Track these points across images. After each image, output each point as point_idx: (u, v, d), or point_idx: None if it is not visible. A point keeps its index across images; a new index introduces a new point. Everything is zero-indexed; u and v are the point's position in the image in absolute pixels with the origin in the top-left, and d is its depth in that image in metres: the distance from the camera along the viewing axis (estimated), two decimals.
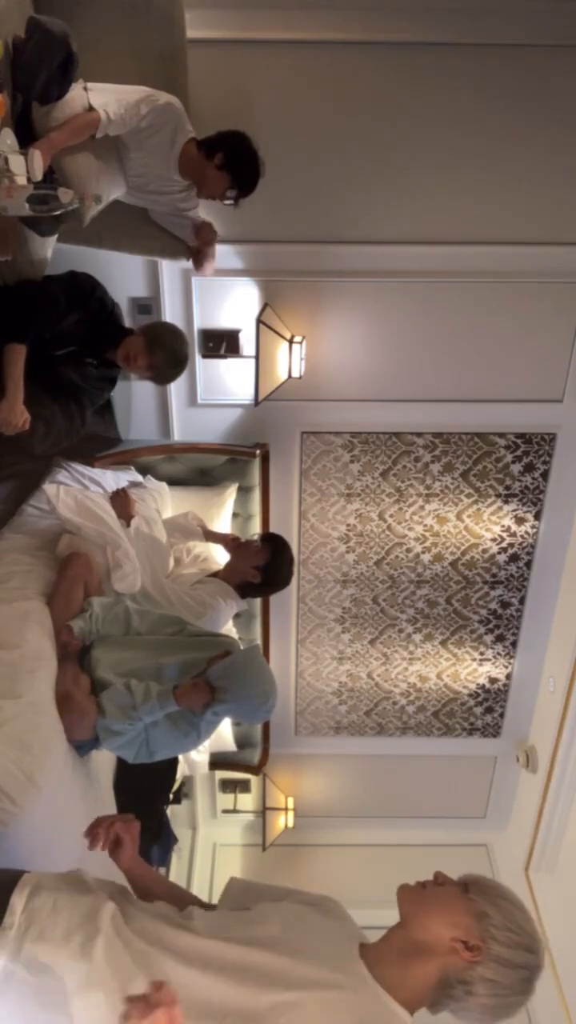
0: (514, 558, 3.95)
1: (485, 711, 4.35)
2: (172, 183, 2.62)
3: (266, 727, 4.22)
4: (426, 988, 1.21)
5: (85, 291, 2.62)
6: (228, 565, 2.98)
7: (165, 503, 3.35)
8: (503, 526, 3.87)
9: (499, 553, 3.94)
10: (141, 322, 3.10)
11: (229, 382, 3.51)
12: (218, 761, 4.23)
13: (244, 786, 4.54)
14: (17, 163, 1.84)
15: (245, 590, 2.91)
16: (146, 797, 3.12)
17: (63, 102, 2.26)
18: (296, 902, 1.37)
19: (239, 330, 3.40)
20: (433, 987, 1.21)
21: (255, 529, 3.69)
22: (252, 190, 2.63)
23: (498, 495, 3.81)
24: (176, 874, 4.41)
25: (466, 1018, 1.22)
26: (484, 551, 3.93)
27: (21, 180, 1.85)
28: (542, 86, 3.02)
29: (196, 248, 2.87)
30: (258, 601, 3.77)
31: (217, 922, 1.31)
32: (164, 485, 3.42)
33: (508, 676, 4.25)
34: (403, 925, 1.26)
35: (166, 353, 2.68)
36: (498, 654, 4.19)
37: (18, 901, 1.29)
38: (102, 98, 2.35)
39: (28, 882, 1.33)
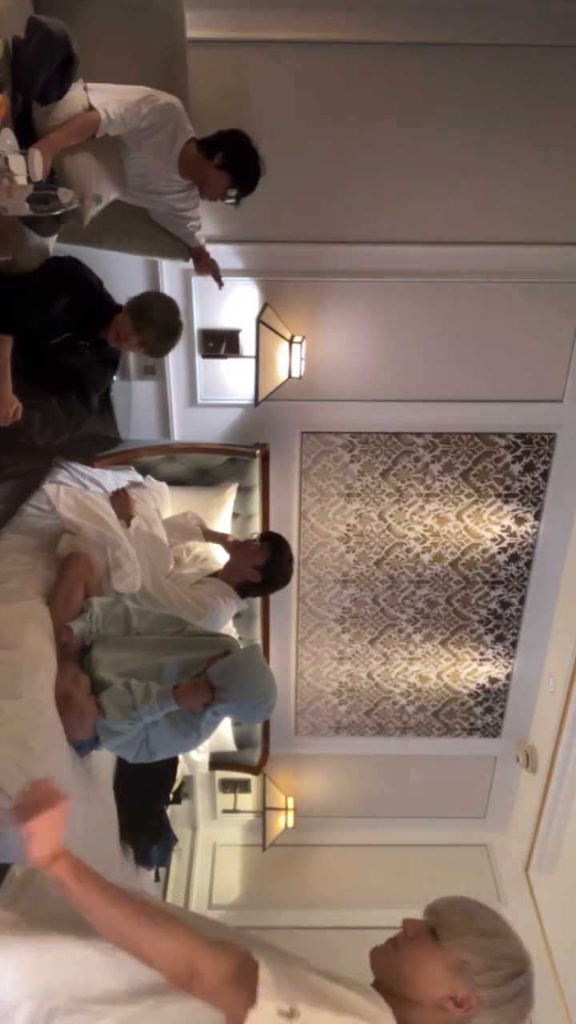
0: (514, 558, 3.95)
1: (485, 711, 4.35)
2: (172, 183, 2.61)
3: (266, 727, 4.22)
4: None
5: (68, 273, 2.59)
6: (228, 565, 2.98)
7: (165, 503, 3.35)
8: (503, 526, 3.87)
9: (499, 553, 3.94)
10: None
11: (229, 382, 3.52)
12: (218, 761, 4.23)
13: (244, 786, 4.54)
14: (17, 163, 1.84)
15: (245, 590, 2.91)
16: (146, 797, 3.12)
17: (63, 102, 2.26)
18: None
19: (239, 330, 3.40)
20: None
21: (255, 529, 3.69)
22: (253, 189, 2.63)
23: (498, 495, 3.81)
24: (176, 874, 4.41)
25: None
26: (484, 551, 3.93)
27: (21, 180, 1.85)
28: (542, 86, 3.02)
29: (200, 252, 2.89)
30: (258, 601, 3.77)
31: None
32: (164, 485, 3.42)
33: (508, 676, 4.25)
34: (382, 984, 1.20)
35: (155, 328, 2.61)
36: (498, 654, 4.19)
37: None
38: (102, 98, 2.35)
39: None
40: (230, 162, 2.54)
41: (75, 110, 2.29)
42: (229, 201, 2.63)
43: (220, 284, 2.98)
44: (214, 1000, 1.08)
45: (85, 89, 2.34)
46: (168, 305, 2.69)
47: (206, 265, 2.94)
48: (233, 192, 2.60)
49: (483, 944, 1.16)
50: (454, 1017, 1.15)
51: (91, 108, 2.33)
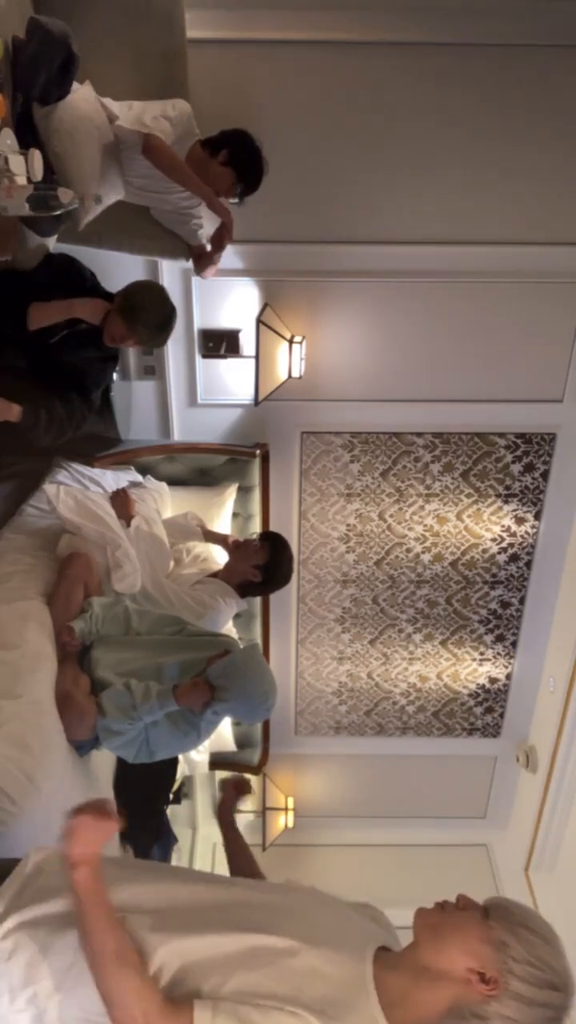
0: (514, 558, 3.95)
1: (485, 711, 4.35)
2: (176, 184, 2.61)
3: (266, 727, 4.22)
4: (433, 1014, 1.12)
5: (62, 269, 2.59)
6: (228, 565, 2.98)
7: (165, 503, 3.35)
8: (503, 526, 3.87)
9: (499, 553, 3.94)
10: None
11: (229, 382, 3.52)
12: (218, 761, 4.23)
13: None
14: (17, 163, 1.84)
15: (245, 589, 2.92)
16: (146, 797, 3.12)
17: (65, 103, 2.26)
18: (334, 898, 1.32)
19: (239, 330, 3.40)
20: (442, 1014, 1.12)
21: (255, 529, 3.69)
22: (257, 186, 2.63)
23: (498, 495, 3.81)
24: None
25: None
26: (484, 551, 3.93)
27: (21, 180, 1.85)
28: (542, 86, 3.02)
29: (201, 251, 2.87)
30: (258, 601, 3.77)
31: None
32: (164, 485, 3.42)
33: (508, 676, 4.25)
34: (416, 947, 1.17)
35: (148, 327, 2.56)
36: (498, 654, 4.19)
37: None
38: (143, 114, 2.42)
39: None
40: (235, 158, 2.55)
41: (77, 111, 2.29)
42: (232, 201, 2.63)
43: (210, 263, 2.92)
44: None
45: (101, 102, 2.35)
46: (158, 300, 2.61)
47: (208, 256, 2.90)
48: (237, 188, 2.60)
49: (531, 940, 1.10)
50: (474, 996, 1.09)
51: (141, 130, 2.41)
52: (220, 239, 2.78)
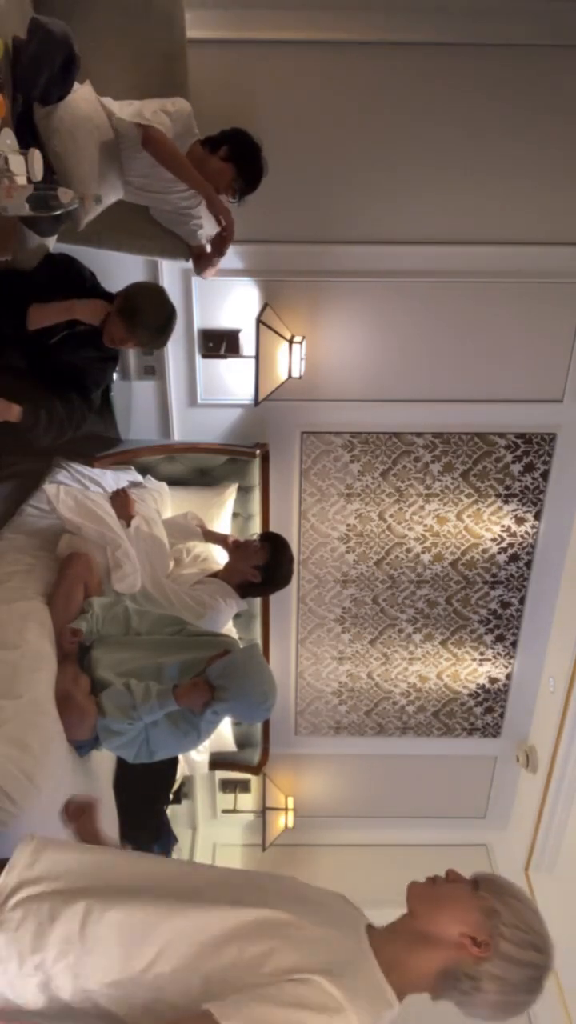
0: (514, 558, 3.95)
1: (485, 711, 4.35)
2: (178, 183, 2.61)
3: (266, 727, 4.22)
4: (426, 976, 1.21)
5: (62, 269, 2.59)
6: (228, 565, 2.98)
7: (165, 503, 3.35)
8: (503, 526, 3.87)
9: (499, 553, 3.94)
10: None
11: (229, 382, 3.52)
12: (218, 761, 4.23)
13: (244, 786, 4.54)
14: (17, 163, 1.84)
15: (245, 590, 2.92)
16: (146, 797, 3.12)
17: (65, 103, 2.26)
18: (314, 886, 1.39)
19: (239, 330, 3.40)
20: (435, 976, 1.21)
21: (255, 529, 3.69)
22: (256, 184, 2.63)
23: (498, 495, 3.81)
24: None
25: (472, 1013, 1.23)
26: (484, 551, 3.93)
27: (21, 180, 1.85)
28: (542, 86, 3.02)
29: (200, 251, 2.87)
30: (258, 601, 3.77)
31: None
32: (164, 485, 3.42)
33: (508, 676, 4.25)
34: (410, 916, 1.27)
35: (147, 330, 2.55)
36: (498, 654, 4.19)
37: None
38: (143, 109, 2.40)
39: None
40: (235, 154, 2.55)
41: (78, 111, 2.29)
42: (231, 200, 2.63)
43: (210, 263, 2.90)
44: None
45: (101, 102, 2.35)
46: (158, 302, 2.59)
47: (208, 257, 2.89)
48: (237, 185, 2.60)
49: (517, 907, 1.22)
50: (467, 958, 1.19)
51: (139, 124, 2.39)
52: (222, 243, 2.76)
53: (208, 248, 2.85)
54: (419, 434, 3.67)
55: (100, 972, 1.16)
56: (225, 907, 1.20)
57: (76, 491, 2.83)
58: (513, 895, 1.24)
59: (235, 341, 3.41)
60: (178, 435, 3.60)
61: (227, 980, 1.12)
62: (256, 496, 3.66)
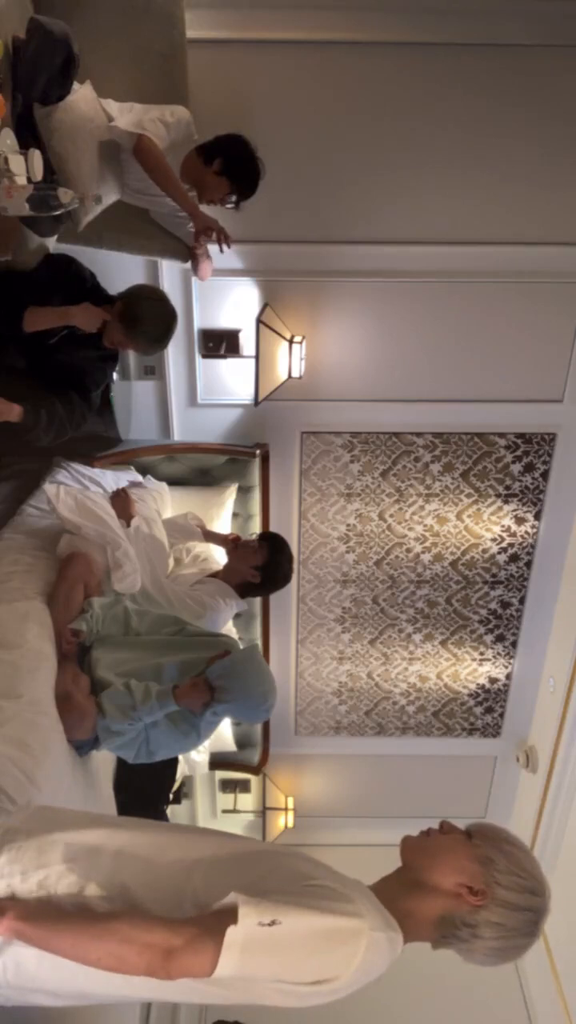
0: (514, 558, 3.95)
1: (485, 711, 4.35)
2: None
3: (266, 727, 4.22)
4: (424, 923, 1.23)
5: (63, 269, 2.59)
6: (227, 565, 2.98)
7: (165, 503, 3.35)
8: (503, 526, 3.87)
9: (499, 553, 3.94)
10: None
11: (229, 382, 3.52)
12: (218, 761, 4.23)
13: (244, 786, 4.54)
14: (17, 163, 1.84)
15: (245, 590, 2.92)
16: (146, 797, 3.12)
17: (65, 104, 2.26)
18: None
19: (239, 330, 3.40)
20: (434, 924, 1.23)
21: (255, 529, 3.69)
22: (252, 193, 2.63)
23: (498, 495, 3.81)
24: None
25: (472, 959, 1.25)
26: (484, 551, 3.93)
27: (21, 180, 1.85)
28: (542, 86, 3.02)
29: (194, 249, 2.88)
30: (258, 601, 3.77)
31: None
32: (164, 485, 3.42)
33: (508, 676, 4.25)
34: (405, 868, 1.30)
35: (147, 338, 2.57)
36: (498, 654, 4.19)
37: None
38: (131, 117, 2.40)
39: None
40: (228, 168, 2.55)
41: (79, 112, 2.29)
42: (229, 206, 2.63)
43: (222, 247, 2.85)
44: (197, 954, 1.09)
45: (101, 104, 2.35)
46: (159, 309, 2.58)
47: (195, 255, 2.88)
48: (232, 197, 2.60)
49: (512, 853, 1.24)
50: (464, 907, 1.21)
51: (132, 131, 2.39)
52: (197, 236, 2.73)
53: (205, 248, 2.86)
54: (419, 434, 3.67)
55: (127, 873, 1.18)
56: (240, 840, 1.26)
57: (76, 491, 2.83)
58: (507, 841, 1.26)
59: (235, 341, 3.41)
60: (178, 435, 3.60)
61: (257, 889, 1.14)
62: (256, 496, 3.66)
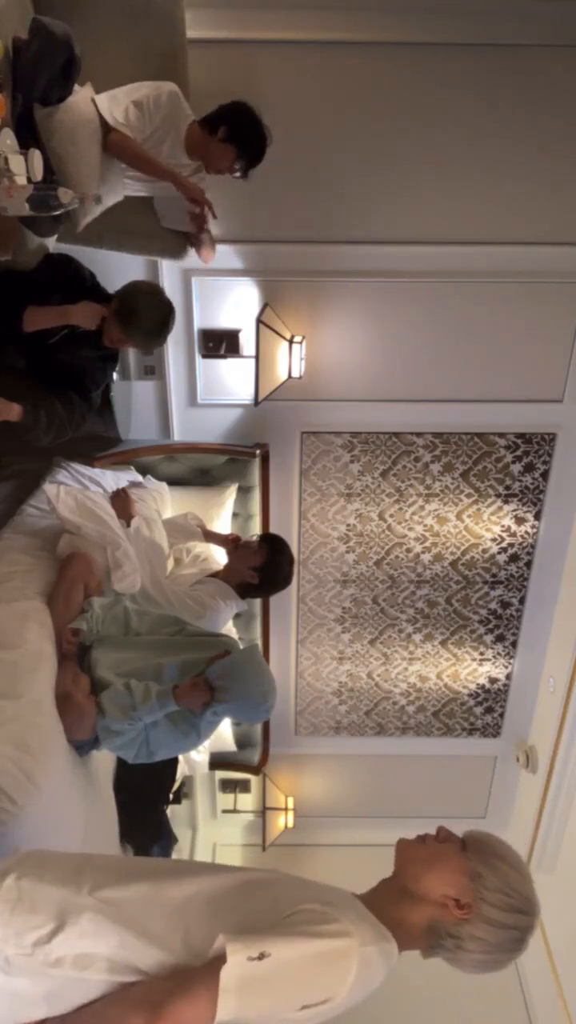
0: (514, 558, 3.95)
1: (485, 711, 4.35)
2: (181, 168, 2.61)
3: (266, 727, 4.22)
4: (415, 932, 1.24)
5: (61, 269, 2.58)
6: (227, 566, 2.98)
7: (165, 503, 3.35)
8: (503, 526, 3.87)
9: (499, 553, 3.94)
10: None
11: (229, 382, 3.52)
12: (218, 761, 4.23)
13: (244, 786, 4.54)
14: (17, 163, 1.84)
15: (245, 590, 2.92)
16: (146, 797, 3.12)
17: (66, 105, 2.26)
18: None
19: (239, 330, 3.40)
20: (423, 933, 1.24)
21: (255, 529, 3.69)
22: (259, 159, 2.62)
23: (498, 495, 3.81)
24: None
25: (460, 968, 1.26)
26: (484, 551, 3.93)
27: (21, 180, 1.85)
28: (542, 86, 3.02)
29: (196, 231, 2.86)
30: (258, 601, 3.77)
31: None
32: (164, 485, 3.42)
33: (508, 676, 4.25)
34: (396, 876, 1.30)
35: (143, 332, 2.55)
36: (498, 654, 4.19)
37: None
38: (110, 103, 2.38)
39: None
40: (233, 134, 2.54)
41: (79, 112, 2.29)
42: (236, 174, 2.62)
43: (201, 243, 2.89)
44: (193, 1004, 1.08)
45: (93, 100, 2.34)
46: (154, 303, 2.57)
47: (196, 240, 2.87)
48: (240, 164, 2.59)
49: (503, 870, 1.23)
50: (449, 919, 1.22)
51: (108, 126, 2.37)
52: (199, 220, 2.74)
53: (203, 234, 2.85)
54: (419, 434, 3.67)
55: (113, 937, 1.15)
56: (223, 872, 1.24)
57: (76, 491, 2.83)
58: (499, 856, 1.25)
59: (235, 341, 3.41)
60: (178, 435, 3.60)
61: (243, 925, 1.14)
62: (256, 496, 3.66)
